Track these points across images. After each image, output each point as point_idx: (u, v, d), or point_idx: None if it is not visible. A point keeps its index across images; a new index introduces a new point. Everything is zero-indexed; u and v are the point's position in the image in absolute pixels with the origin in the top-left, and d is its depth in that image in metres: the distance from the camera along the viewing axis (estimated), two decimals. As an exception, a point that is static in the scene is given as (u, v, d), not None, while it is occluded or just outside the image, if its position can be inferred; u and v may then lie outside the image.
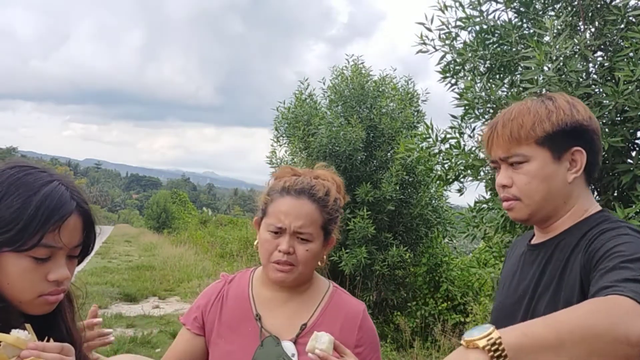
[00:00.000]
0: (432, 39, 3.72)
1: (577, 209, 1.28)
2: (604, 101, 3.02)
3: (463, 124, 3.67)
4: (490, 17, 3.60)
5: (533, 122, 1.25)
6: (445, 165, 3.70)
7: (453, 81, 3.74)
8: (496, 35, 3.58)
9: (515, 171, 1.28)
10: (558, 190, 1.26)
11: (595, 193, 3.51)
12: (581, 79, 3.09)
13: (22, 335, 0.94)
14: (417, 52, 3.75)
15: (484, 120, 3.55)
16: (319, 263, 1.44)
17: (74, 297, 1.24)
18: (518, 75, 3.45)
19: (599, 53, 3.42)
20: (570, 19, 3.33)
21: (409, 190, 7.71)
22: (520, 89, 3.25)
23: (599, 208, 1.31)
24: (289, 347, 1.38)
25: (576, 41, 3.02)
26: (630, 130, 3.03)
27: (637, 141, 3.18)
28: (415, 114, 8.11)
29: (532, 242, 1.38)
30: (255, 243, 1.47)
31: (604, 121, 3.11)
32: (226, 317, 1.45)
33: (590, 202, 1.31)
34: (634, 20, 3.12)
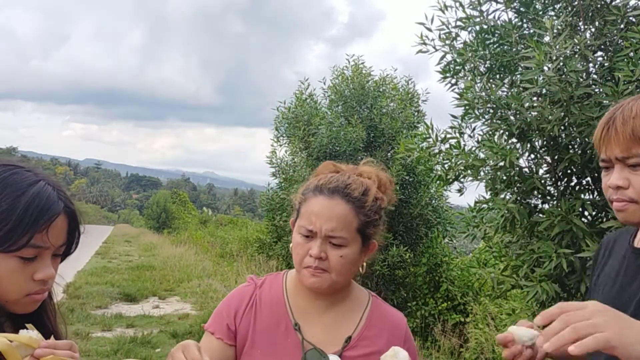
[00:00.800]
0: (432, 39, 3.72)
1: None
2: (604, 101, 3.03)
3: (463, 124, 3.67)
4: (491, 17, 3.61)
5: None
6: (445, 165, 3.70)
7: (453, 81, 3.74)
8: (496, 35, 3.58)
9: (633, 172, 1.19)
10: None
11: (596, 193, 3.52)
12: (581, 79, 3.10)
13: (33, 335, 0.96)
14: (417, 52, 3.75)
15: (483, 120, 3.56)
16: (360, 269, 1.32)
17: (54, 294, 1.22)
18: (518, 75, 3.45)
19: (599, 53, 3.42)
20: (570, 19, 3.34)
21: (409, 190, 7.71)
22: (520, 89, 3.26)
23: None
24: None
25: (576, 41, 3.03)
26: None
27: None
28: (416, 114, 8.11)
29: (637, 245, 1.28)
30: (290, 245, 1.36)
31: (604, 121, 3.11)
32: (261, 326, 1.31)
33: None
34: (633, 20, 3.13)
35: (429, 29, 3.71)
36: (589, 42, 3.20)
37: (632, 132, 1.16)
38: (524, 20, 3.60)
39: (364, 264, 1.32)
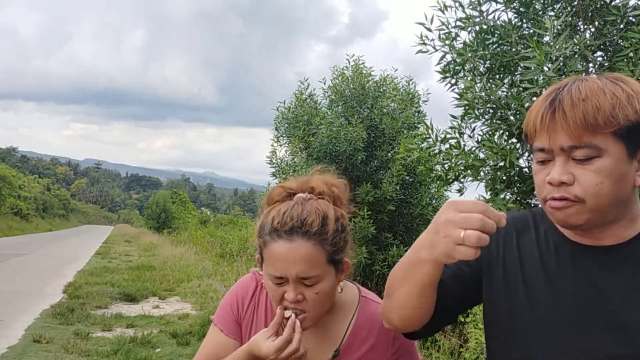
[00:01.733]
0: (432, 39, 3.72)
1: (635, 213, 1.08)
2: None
3: (463, 124, 3.68)
4: (490, 17, 3.61)
5: (613, 105, 0.99)
6: (445, 166, 3.70)
7: (453, 81, 3.74)
8: (496, 35, 3.58)
9: (580, 166, 1.00)
10: (626, 195, 1.03)
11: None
12: (581, 79, 3.09)
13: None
14: (417, 52, 3.75)
15: (483, 120, 3.56)
16: (339, 291, 1.28)
17: None
18: (518, 76, 3.45)
19: (599, 53, 3.43)
20: (570, 19, 3.34)
21: (410, 190, 7.72)
22: (520, 89, 3.26)
23: None
24: None
25: (576, 41, 3.03)
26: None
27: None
28: (416, 114, 8.11)
29: (583, 243, 1.10)
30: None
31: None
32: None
33: (638, 203, 1.10)
34: (633, 20, 3.13)
35: (429, 29, 3.72)
36: (588, 42, 3.20)
37: (584, 117, 0.98)
38: (524, 20, 3.60)
39: (341, 283, 1.29)
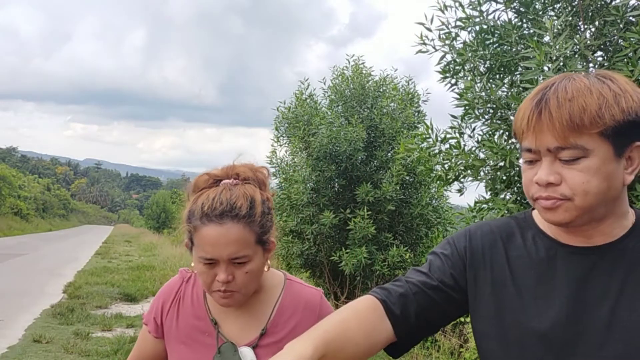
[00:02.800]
0: (432, 39, 3.72)
1: (622, 211, 1.07)
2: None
3: (463, 124, 3.68)
4: (490, 17, 3.61)
5: (599, 105, 0.98)
6: (445, 166, 3.70)
7: (453, 81, 3.74)
8: (496, 35, 3.58)
9: (566, 167, 1.00)
10: (614, 193, 1.03)
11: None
12: (581, 79, 3.10)
13: None
14: (417, 52, 3.76)
15: (483, 120, 3.56)
16: (266, 269, 1.34)
17: None
18: (518, 76, 3.45)
19: (599, 53, 3.43)
20: (570, 19, 3.34)
21: (410, 190, 7.72)
22: (520, 89, 3.26)
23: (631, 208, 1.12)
24: (247, 353, 1.31)
25: (576, 41, 3.03)
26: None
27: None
28: (416, 114, 8.11)
29: (574, 244, 1.09)
30: (192, 266, 1.35)
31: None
32: (183, 322, 1.37)
33: (626, 201, 1.10)
34: (633, 20, 3.13)
35: (429, 29, 3.72)
36: (588, 42, 3.20)
37: (570, 117, 0.97)
38: (524, 20, 3.60)
39: (268, 262, 1.34)
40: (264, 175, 1.34)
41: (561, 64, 2.98)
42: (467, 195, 3.84)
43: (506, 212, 3.44)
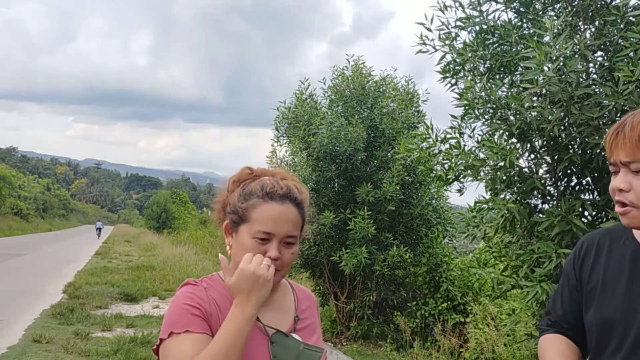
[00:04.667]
0: (432, 39, 3.72)
1: None
2: (604, 101, 3.03)
3: (463, 124, 3.67)
4: (490, 17, 3.61)
5: None
6: (445, 166, 3.70)
7: (453, 81, 3.74)
8: (496, 35, 3.58)
9: (636, 177, 1.24)
10: None
11: (596, 193, 3.52)
12: (581, 79, 3.10)
13: None
14: (417, 52, 3.75)
15: (483, 120, 3.56)
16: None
17: None
18: (518, 76, 3.45)
19: (599, 53, 3.43)
20: (570, 19, 3.34)
21: (410, 190, 7.71)
22: (520, 89, 3.26)
23: None
24: (295, 336, 1.41)
25: (576, 41, 3.03)
26: (630, 130, 3.02)
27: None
28: (416, 114, 8.11)
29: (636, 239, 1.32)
30: (227, 249, 1.42)
31: (604, 121, 3.11)
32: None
33: None
34: (633, 20, 3.13)
35: (429, 29, 3.71)
36: (588, 42, 3.20)
37: (639, 137, 1.23)
38: (524, 20, 3.60)
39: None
40: (297, 180, 1.48)
41: (561, 63, 2.98)
42: (467, 195, 3.84)
43: (506, 212, 3.44)
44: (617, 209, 1.27)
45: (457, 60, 3.65)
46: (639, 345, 1.24)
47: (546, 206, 3.61)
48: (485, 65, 3.65)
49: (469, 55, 3.56)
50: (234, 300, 1.31)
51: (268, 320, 1.41)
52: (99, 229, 39.49)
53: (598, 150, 3.12)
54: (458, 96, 3.57)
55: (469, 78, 3.58)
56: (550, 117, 3.10)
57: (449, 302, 7.62)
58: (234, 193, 1.42)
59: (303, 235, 1.46)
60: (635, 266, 1.30)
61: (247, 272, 1.30)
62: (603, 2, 3.30)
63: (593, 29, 3.38)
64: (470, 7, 3.62)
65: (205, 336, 1.30)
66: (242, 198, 1.39)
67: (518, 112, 3.25)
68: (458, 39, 3.70)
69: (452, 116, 3.71)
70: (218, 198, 1.46)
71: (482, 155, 3.52)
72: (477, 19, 3.60)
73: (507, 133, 3.47)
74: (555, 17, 3.27)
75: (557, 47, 2.91)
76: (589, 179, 3.53)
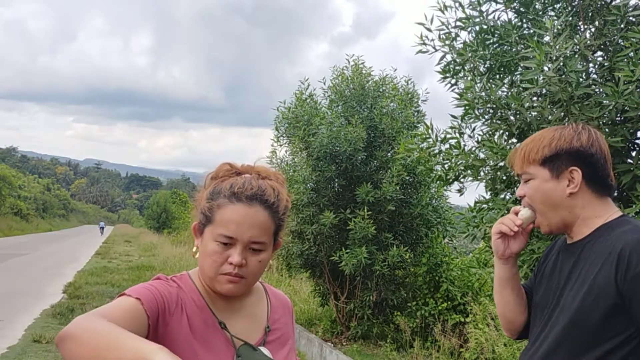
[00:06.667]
0: (432, 39, 3.72)
1: (587, 216, 1.51)
2: (604, 101, 3.03)
3: (463, 124, 3.67)
4: (490, 17, 3.61)
5: (538, 147, 1.53)
6: (445, 166, 3.70)
7: (453, 81, 3.74)
8: (496, 35, 3.58)
9: (526, 185, 1.56)
10: (558, 202, 1.52)
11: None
12: (581, 79, 3.09)
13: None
14: (417, 53, 3.75)
15: (483, 120, 3.55)
16: (267, 268, 1.37)
17: None
18: (518, 76, 3.45)
19: (599, 53, 3.42)
20: (570, 19, 3.33)
21: (410, 190, 7.71)
22: (520, 89, 3.26)
23: (619, 214, 1.53)
24: (264, 351, 1.31)
25: (576, 41, 3.03)
26: (630, 131, 3.03)
27: (637, 141, 3.19)
28: (416, 114, 8.10)
29: (567, 242, 1.58)
30: (194, 251, 1.32)
31: (604, 121, 3.11)
32: (197, 329, 1.27)
33: (604, 209, 1.52)
34: (634, 20, 3.13)
35: (429, 29, 3.71)
36: (589, 42, 3.20)
37: (523, 155, 1.58)
38: (524, 21, 3.60)
39: (271, 262, 1.36)
40: (283, 179, 1.36)
41: (561, 64, 2.97)
42: (467, 195, 3.84)
43: (506, 212, 3.43)
44: None
45: (457, 60, 3.65)
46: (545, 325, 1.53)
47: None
48: (485, 65, 3.65)
49: (469, 55, 3.56)
50: (159, 346, 1.02)
51: (237, 330, 1.31)
52: (102, 228, 49.12)
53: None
54: (458, 96, 3.58)
55: (469, 78, 3.58)
56: (550, 117, 3.10)
57: (449, 302, 7.62)
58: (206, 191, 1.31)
59: (280, 241, 1.34)
60: (558, 261, 1.59)
61: None
62: (603, 2, 3.30)
63: (593, 29, 3.38)
64: (470, 7, 3.62)
65: (143, 314, 1.17)
66: (210, 196, 1.28)
67: (518, 112, 3.25)
68: (458, 39, 3.70)
69: (452, 116, 3.71)
70: (196, 196, 1.34)
71: (482, 155, 3.52)
72: (477, 19, 3.60)
73: (507, 133, 3.47)
74: (555, 17, 3.27)
75: (557, 47, 2.91)
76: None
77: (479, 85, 3.45)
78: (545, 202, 1.52)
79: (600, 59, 3.38)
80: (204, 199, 1.28)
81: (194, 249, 1.32)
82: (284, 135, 8.17)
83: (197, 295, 1.32)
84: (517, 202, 3.55)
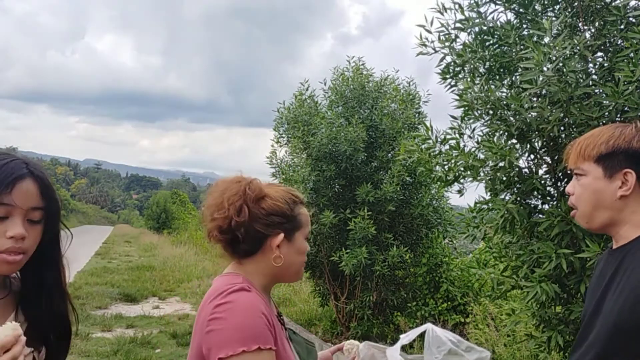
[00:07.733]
0: (432, 41, 3.72)
1: (636, 221, 1.43)
2: (604, 101, 3.03)
3: (463, 125, 3.68)
4: (490, 18, 3.61)
5: (595, 143, 1.46)
6: (445, 167, 3.70)
7: (453, 82, 3.74)
8: (495, 36, 3.58)
9: (577, 182, 1.52)
10: (607, 203, 1.45)
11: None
12: (581, 80, 3.10)
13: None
14: (418, 54, 3.76)
15: (483, 121, 3.56)
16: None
17: (64, 277, 1.50)
18: (517, 76, 3.45)
19: (599, 53, 3.43)
20: (570, 19, 3.34)
21: (410, 190, 7.71)
22: (520, 89, 3.26)
23: None
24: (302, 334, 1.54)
25: (575, 42, 3.03)
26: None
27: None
28: (417, 115, 8.10)
29: (612, 247, 1.52)
30: (276, 260, 1.47)
31: (604, 121, 3.11)
32: (277, 326, 1.46)
33: None
34: (634, 20, 3.13)
35: (429, 31, 3.72)
36: (588, 42, 3.20)
37: (579, 150, 1.51)
38: (523, 22, 3.60)
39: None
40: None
41: (560, 64, 2.98)
42: (467, 195, 3.84)
43: (506, 212, 3.44)
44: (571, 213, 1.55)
45: (457, 61, 3.65)
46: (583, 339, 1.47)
47: (546, 207, 3.61)
48: (485, 67, 3.66)
49: (469, 56, 3.56)
50: None
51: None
52: None
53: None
54: (458, 97, 3.58)
55: (468, 79, 3.59)
56: (549, 118, 3.10)
57: (449, 303, 7.62)
58: None
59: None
60: (602, 267, 1.52)
61: None
62: (603, 3, 3.30)
63: (593, 30, 3.38)
64: (470, 8, 3.62)
65: (273, 353, 1.33)
66: (290, 209, 1.56)
67: (517, 113, 3.26)
68: (458, 40, 3.71)
69: (452, 117, 3.71)
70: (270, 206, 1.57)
71: (481, 156, 3.52)
72: (477, 21, 3.60)
73: (506, 133, 3.47)
74: (554, 18, 3.28)
75: (557, 47, 2.91)
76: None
77: (478, 86, 3.45)
78: (593, 201, 1.46)
79: (600, 59, 3.39)
80: (285, 210, 1.50)
81: (274, 256, 1.49)
82: (284, 135, 8.17)
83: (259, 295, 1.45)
84: (516, 202, 3.56)
